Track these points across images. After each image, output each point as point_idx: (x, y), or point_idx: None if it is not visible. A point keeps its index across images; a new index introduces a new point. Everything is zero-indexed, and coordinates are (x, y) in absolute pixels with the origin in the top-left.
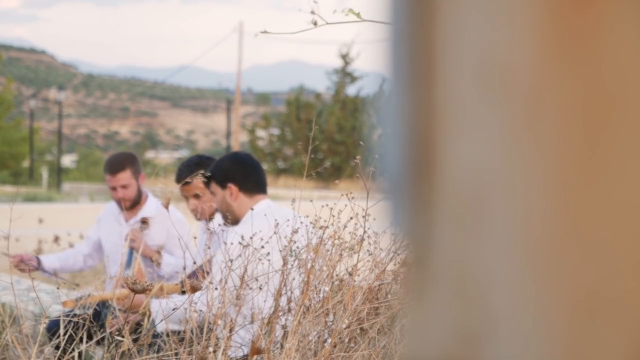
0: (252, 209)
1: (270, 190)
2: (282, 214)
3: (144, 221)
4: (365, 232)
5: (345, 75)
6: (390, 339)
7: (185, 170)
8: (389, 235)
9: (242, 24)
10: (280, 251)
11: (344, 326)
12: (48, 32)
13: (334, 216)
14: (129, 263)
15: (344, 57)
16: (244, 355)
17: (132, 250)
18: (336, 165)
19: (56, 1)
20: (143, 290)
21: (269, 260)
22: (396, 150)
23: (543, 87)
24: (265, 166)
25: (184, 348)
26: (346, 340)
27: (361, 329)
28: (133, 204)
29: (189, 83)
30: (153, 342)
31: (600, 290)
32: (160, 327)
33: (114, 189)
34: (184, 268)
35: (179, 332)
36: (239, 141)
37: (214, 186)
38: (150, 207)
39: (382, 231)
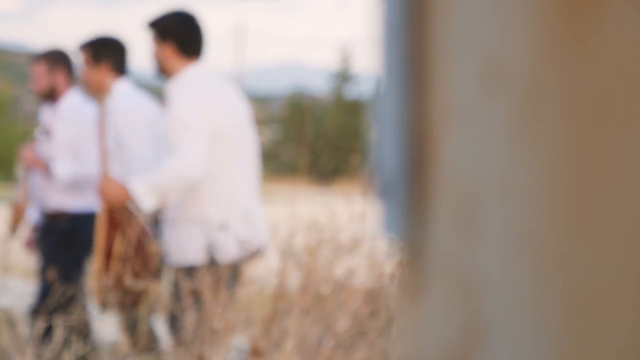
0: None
1: (269, 190)
2: (215, 81)
3: (47, 131)
4: (363, 234)
5: (345, 77)
6: (389, 342)
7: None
8: (386, 237)
9: (242, 26)
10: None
11: (343, 329)
12: (46, 34)
13: (332, 219)
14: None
15: (344, 58)
16: None
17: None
18: (335, 167)
19: (54, 3)
20: (141, 292)
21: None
22: (392, 151)
23: (540, 88)
24: (264, 167)
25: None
26: (345, 342)
27: (360, 331)
28: (45, 97)
29: None
30: (152, 346)
31: (599, 290)
32: (148, 205)
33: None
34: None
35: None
36: None
37: (154, 38)
38: (67, 102)
39: (379, 233)
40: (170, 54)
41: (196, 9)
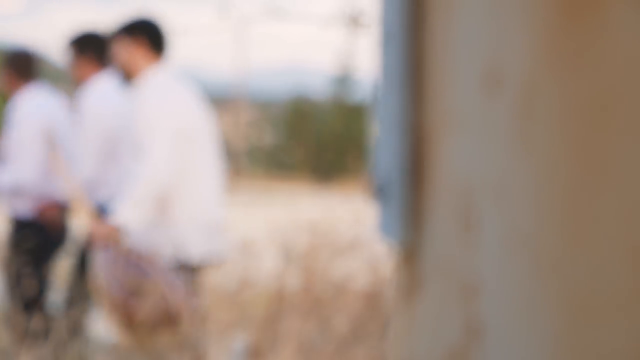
0: (152, 79)
1: (268, 191)
2: (177, 82)
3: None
4: (362, 236)
5: (345, 80)
6: (387, 344)
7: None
8: (384, 239)
9: (242, 28)
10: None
11: (341, 331)
12: (49, 34)
13: (332, 221)
14: None
15: (345, 62)
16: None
17: None
18: (335, 169)
19: (57, 3)
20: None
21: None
22: (391, 154)
23: (538, 92)
24: (266, 168)
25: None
26: (344, 344)
27: (359, 333)
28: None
29: None
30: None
31: (594, 292)
32: (141, 222)
33: None
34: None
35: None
36: (239, 145)
37: (122, 40)
38: (18, 105)
39: (377, 235)
40: (139, 52)
41: (196, 10)
